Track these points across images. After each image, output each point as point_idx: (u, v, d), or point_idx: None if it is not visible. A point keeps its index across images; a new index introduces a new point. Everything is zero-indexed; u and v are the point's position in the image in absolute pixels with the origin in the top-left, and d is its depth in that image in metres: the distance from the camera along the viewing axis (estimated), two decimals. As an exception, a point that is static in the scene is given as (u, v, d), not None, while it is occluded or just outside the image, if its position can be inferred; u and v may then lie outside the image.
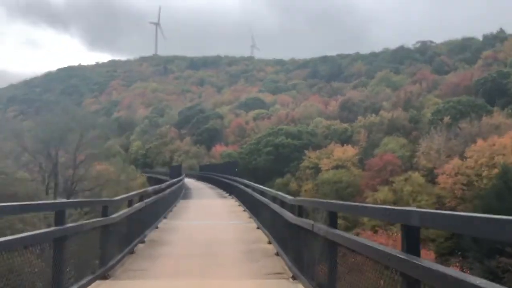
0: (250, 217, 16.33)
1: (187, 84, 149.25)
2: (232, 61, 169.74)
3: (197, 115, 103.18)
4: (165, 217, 16.18)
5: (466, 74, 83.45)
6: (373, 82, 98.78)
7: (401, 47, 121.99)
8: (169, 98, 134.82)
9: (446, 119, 59.26)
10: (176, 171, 39.23)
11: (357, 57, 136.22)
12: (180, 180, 29.84)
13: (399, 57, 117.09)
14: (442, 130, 57.01)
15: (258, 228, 13.50)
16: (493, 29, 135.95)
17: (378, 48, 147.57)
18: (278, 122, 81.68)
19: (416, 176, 48.07)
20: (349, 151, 61.87)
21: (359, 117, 74.49)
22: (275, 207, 10.10)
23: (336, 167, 60.24)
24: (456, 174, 46.76)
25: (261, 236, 12.18)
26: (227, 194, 29.33)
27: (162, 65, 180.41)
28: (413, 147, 59.77)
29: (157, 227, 13.49)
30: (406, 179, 48.23)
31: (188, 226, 14.38)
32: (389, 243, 23.47)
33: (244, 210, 19.20)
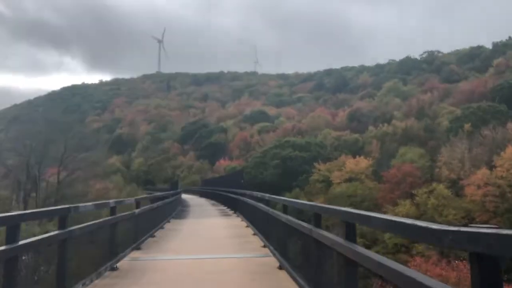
0: (265, 246, 10.97)
1: (190, 100, 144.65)
2: (235, 76, 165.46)
3: (200, 130, 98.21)
4: (138, 248, 10.81)
5: (480, 81, 78.35)
6: (381, 93, 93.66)
7: (408, 57, 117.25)
8: (172, 114, 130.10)
9: (467, 126, 53.86)
10: (174, 187, 33.91)
11: (362, 69, 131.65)
12: (175, 194, 24.51)
13: (406, 68, 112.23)
14: (463, 138, 51.58)
15: (280, 267, 8.13)
16: (492, 39, 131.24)
17: (380, 60, 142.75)
18: (284, 135, 76.41)
19: (441, 188, 42.46)
20: (362, 163, 56.39)
21: (370, 127, 69.17)
22: (331, 238, 4.83)
23: (349, 180, 54.75)
24: (485, 185, 41.17)
25: (289, 281, 6.89)
26: (232, 212, 23.97)
27: (165, 82, 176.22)
28: (431, 157, 54.32)
29: (114, 268, 8.10)
30: (430, 192, 42.63)
31: (168, 265, 8.90)
32: (451, 275, 17.75)
33: (254, 234, 13.86)
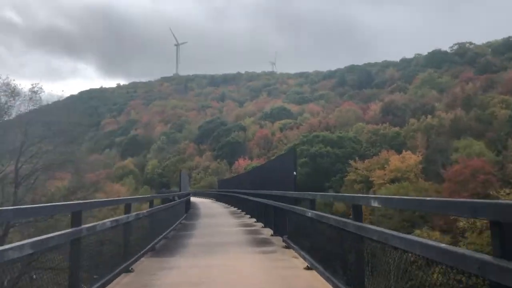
0: None
1: (208, 100, 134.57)
2: (252, 76, 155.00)
3: (218, 128, 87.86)
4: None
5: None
6: (414, 85, 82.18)
7: (438, 50, 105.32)
8: (189, 115, 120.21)
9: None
10: (182, 184, 23.10)
11: (386, 64, 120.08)
12: (186, 196, 13.95)
13: (436, 61, 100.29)
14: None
15: None
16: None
17: (390, 58, 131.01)
18: (310, 131, 65.48)
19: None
20: (409, 159, 45.19)
21: (411, 120, 57.86)
22: None
23: (394, 180, 43.63)
24: None
25: None
26: (270, 233, 13.14)
27: (183, 84, 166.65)
28: (494, 150, 43.04)
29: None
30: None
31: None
32: None
33: None
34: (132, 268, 7.48)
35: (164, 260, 8.65)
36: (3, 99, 28.11)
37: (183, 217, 18.63)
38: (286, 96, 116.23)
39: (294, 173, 10.07)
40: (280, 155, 12.75)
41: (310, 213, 7.53)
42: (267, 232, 13.20)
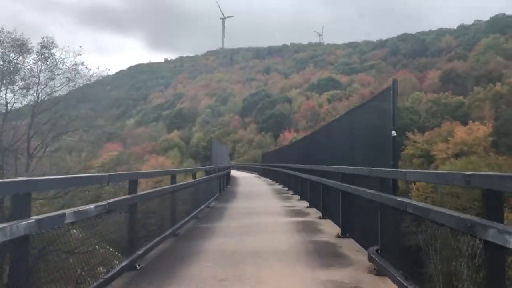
0: None
1: (253, 73, 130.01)
2: (299, 48, 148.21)
3: (262, 100, 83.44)
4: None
5: None
6: (477, 52, 73.96)
7: (502, 15, 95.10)
8: (234, 87, 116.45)
9: None
10: (216, 156, 18.91)
11: (442, 32, 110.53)
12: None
13: (500, 26, 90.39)
14: None
15: None
16: None
17: (451, 25, 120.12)
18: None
19: None
20: (478, 131, 39.16)
21: (476, 88, 51.07)
22: None
23: (460, 153, 37.92)
24: None
25: None
26: (335, 231, 8.81)
27: (228, 57, 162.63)
28: None
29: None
30: None
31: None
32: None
33: None
34: None
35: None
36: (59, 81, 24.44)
37: (214, 197, 14.58)
38: (334, 67, 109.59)
39: (393, 133, 5.62)
40: (361, 104, 7.98)
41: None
42: (330, 228, 8.83)
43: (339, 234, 7.97)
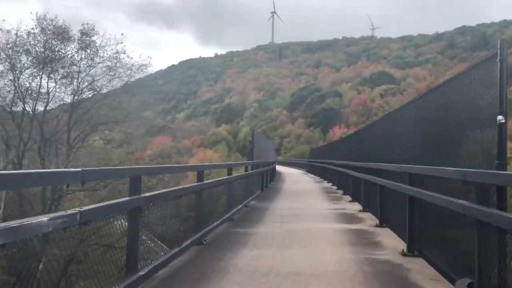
0: None
1: (302, 67, 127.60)
2: (350, 41, 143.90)
3: (311, 95, 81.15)
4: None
5: None
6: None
7: None
8: (282, 82, 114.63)
9: None
10: (259, 151, 17.36)
11: (505, 23, 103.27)
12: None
13: None
14: None
15: None
16: None
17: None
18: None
19: None
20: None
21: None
22: None
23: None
24: None
25: None
26: (399, 246, 7.04)
27: (277, 52, 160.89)
28: None
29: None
30: None
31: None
32: None
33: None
34: None
35: None
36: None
37: (255, 195, 13.08)
38: (387, 60, 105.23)
39: (499, 118, 3.88)
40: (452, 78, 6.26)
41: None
42: (391, 240, 7.09)
43: (405, 251, 6.21)
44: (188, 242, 5.78)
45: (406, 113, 7.79)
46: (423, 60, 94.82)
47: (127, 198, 4.12)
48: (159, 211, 5.15)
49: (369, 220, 9.40)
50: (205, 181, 6.74)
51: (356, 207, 11.75)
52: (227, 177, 8.74)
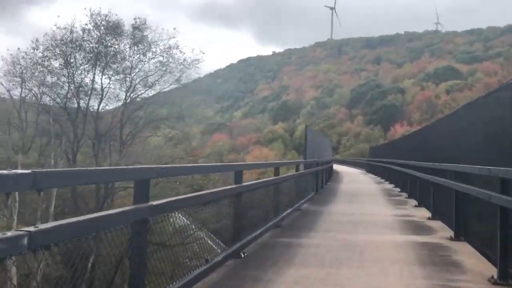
0: None
1: (362, 63, 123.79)
2: (413, 36, 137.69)
3: (372, 91, 78.15)
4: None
5: None
6: None
7: None
8: (341, 78, 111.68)
9: None
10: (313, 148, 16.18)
11: None
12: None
13: None
14: None
15: None
16: None
17: None
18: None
19: None
20: None
21: None
22: None
23: None
24: None
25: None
26: (488, 272, 5.54)
27: (336, 48, 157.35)
28: None
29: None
30: None
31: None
32: None
33: None
34: None
35: None
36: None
37: (308, 197, 11.93)
38: (453, 55, 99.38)
39: None
40: None
41: None
42: (473, 260, 5.71)
43: (495, 278, 4.84)
44: (220, 258, 4.76)
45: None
46: (494, 53, 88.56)
47: (132, 207, 3.16)
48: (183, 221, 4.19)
49: (441, 231, 7.97)
50: (244, 183, 5.71)
51: (423, 213, 10.27)
52: (273, 178, 7.67)
